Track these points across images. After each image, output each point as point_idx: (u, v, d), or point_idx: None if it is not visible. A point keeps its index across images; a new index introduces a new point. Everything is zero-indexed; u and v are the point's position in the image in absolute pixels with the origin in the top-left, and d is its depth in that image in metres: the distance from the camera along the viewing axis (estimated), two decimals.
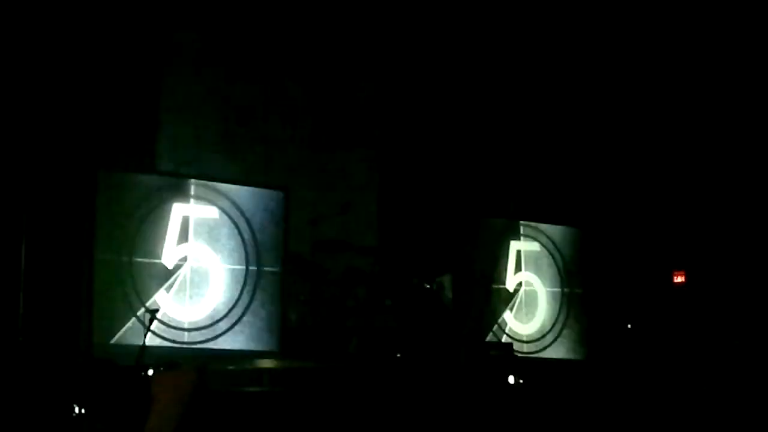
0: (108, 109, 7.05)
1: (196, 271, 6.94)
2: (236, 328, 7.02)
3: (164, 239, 6.83)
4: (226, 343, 6.94)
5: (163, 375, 1.68)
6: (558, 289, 8.56)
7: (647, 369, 7.56)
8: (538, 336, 8.35)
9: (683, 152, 8.43)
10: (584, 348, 8.49)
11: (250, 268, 7.17)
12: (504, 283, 8.29)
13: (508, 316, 8.25)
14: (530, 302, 8.40)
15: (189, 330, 6.82)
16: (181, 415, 1.76)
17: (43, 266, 6.23)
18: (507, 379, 7.06)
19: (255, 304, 7.12)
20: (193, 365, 5.65)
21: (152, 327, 6.06)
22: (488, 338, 8.03)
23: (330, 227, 7.85)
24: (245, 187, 7.37)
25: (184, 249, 6.92)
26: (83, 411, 5.23)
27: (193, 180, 7.15)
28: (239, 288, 7.10)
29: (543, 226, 8.60)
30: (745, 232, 8.12)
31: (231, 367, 6.37)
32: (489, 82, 8.73)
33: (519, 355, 7.97)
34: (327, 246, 7.68)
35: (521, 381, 7.07)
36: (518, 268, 8.37)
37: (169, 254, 6.83)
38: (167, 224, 6.87)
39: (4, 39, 6.40)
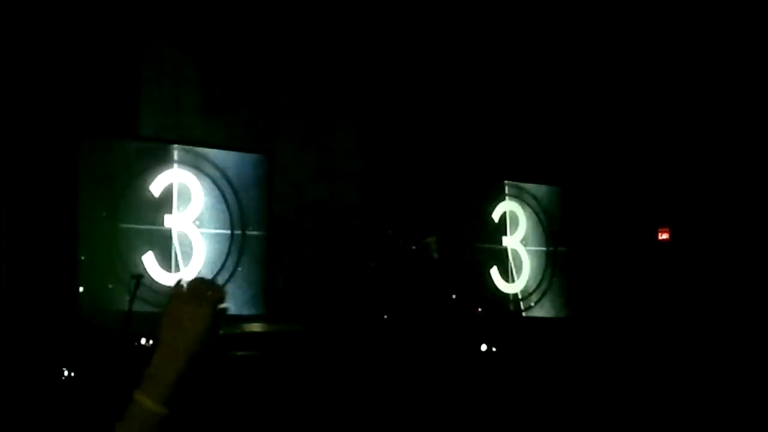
0: (90, 75, 7.00)
1: (181, 236, 6.93)
2: None
3: (148, 205, 6.81)
4: None
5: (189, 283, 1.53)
6: (543, 249, 8.59)
7: (633, 327, 7.60)
8: (524, 295, 8.38)
9: (667, 106, 8.40)
10: (570, 307, 8.54)
11: (235, 232, 7.16)
12: (489, 244, 8.30)
13: (494, 276, 8.28)
14: (516, 262, 8.42)
15: None
16: (203, 336, 1.57)
17: (26, 234, 6.21)
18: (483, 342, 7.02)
19: (240, 268, 7.10)
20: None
21: (137, 293, 6.11)
22: (475, 298, 8.06)
23: (314, 190, 7.86)
24: (228, 152, 7.33)
25: (167, 214, 6.89)
26: (72, 374, 5.26)
27: (176, 145, 7.11)
28: (224, 253, 7.09)
29: (527, 186, 8.61)
30: (730, 188, 8.12)
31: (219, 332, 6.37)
32: (473, 43, 8.69)
33: (507, 314, 8.02)
34: (311, 208, 7.70)
35: (494, 349, 7.02)
36: (503, 228, 8.39)
37: (152, 220, 6.81)
38: (151, 190, 6.84)
39: None
